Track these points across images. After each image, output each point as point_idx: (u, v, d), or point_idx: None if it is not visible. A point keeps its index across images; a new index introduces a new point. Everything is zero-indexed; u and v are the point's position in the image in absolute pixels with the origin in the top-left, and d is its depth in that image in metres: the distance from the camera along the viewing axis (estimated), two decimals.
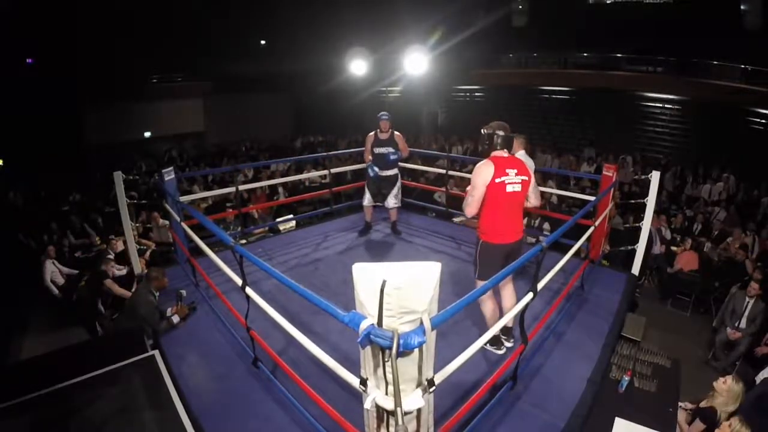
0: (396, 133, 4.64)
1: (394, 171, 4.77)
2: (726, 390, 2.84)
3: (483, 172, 2.63)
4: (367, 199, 4.89)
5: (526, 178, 2.68)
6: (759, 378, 3.67)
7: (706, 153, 10.48)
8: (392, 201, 4.83)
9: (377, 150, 4.60)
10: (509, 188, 2.61)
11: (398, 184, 4.83)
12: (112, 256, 5.14)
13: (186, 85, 15.64)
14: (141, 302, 3.28)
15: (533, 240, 5.84)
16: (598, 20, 13.13)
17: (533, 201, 2.84)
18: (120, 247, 5.25)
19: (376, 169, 4.61)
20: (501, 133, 2.70)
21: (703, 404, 2.89)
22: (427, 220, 5.87)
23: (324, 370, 2.55)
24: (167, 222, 5.45)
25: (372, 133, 4.66)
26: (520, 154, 3.93)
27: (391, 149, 4.57)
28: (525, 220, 6.20)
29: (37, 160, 11.43)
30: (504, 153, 2.71)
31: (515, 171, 2.63)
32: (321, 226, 5.57)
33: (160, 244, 5.97)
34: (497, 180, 2.59)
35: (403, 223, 5.55)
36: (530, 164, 3.87)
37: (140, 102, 14.43)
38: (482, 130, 2.78)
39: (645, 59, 12.21)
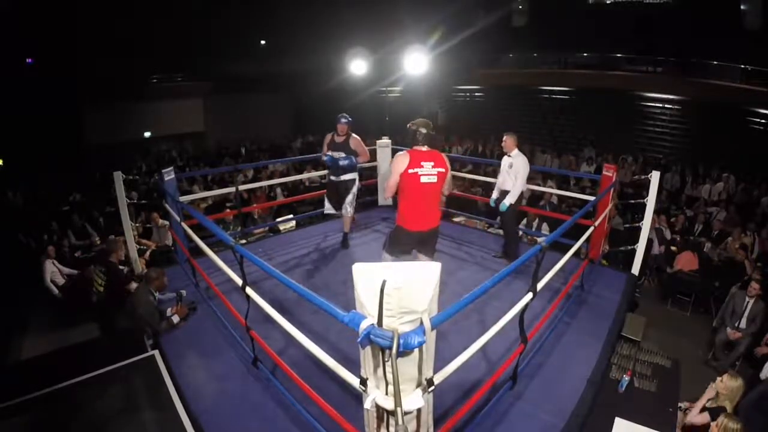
0: (354, 136, 4.39)
1: (351, 176, 4.48)
2: (724, 388, 2.84)
3: (398, 162, 2.88)
4: (327, 207, 4.64)
5: (443, 170, 2.89)
6: (763, 375, 3.67)
7: (706, 153, 10.47)
8: (349, 208, 4.52)
9: (331, 153, 4.37)
10: (423, 179, 2.84)
11: (354, 190, 4.52)
12: (118, 246, 4.96)
13: (186, 85, 15.62)
14: (141, 302, 3.28)
15: (533, 240, 5.84)
16: (598, 20, 13.13)
17: (445, 191, 3.07)
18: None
19: (331, 158, 4.32)
20: (423, 130, 2.90)
21: (709, 404, 2.88)
22: None
23: (324, 370, 2.55)
24: (167, 222, 5.45)
25: (330, 135, 4.43)
26: (514, 153, 4.16)
27: (342, 154, 4.33)
28: (525, 220, 6.24)
29: (37, 160, 11.43)
30: (423, 147, 2.91)
31: (432, 164, 2.85)
32: (321, 226, 5.56)
33: (159, 246, 5.97)
34: (410, 171, 2.82)
35: None
36: (523, 163, 4.10)
37: (140, 102, 14.42)
38: (408, 126, 2.98)
39: (645, 59, 12.21)
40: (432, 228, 3.03)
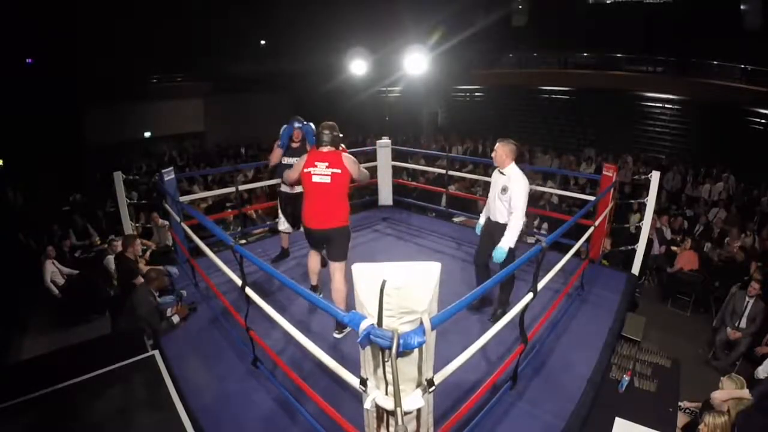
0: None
1: None
2: (727, 386, 2.84)
3: (299, 161, 3.12)
4: (286, 226, 4.12)
5: (339, 171, 2.93)
6: (758, 374, 3.67)
7: (706, 153, 10.48)
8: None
9: (286, 160, 3.90)
10: (315, 179, 2.94)
11: None
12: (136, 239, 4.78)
13: (186, 85, 15.62)
14: (141, 302, 3.28)
15: (533, 240, 5.84)
16: (598, 20, 13.13)
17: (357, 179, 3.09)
18: (120, 247, 5.25)
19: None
20: (326, 131, 3.01)
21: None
22: (427, 220, 5.87)
23: (324, 370, 2.56)
24: (167, 222, 5.45)
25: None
26: (509, 169, 3.08)
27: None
28: (525, 221, 6.24)
29: (37, 160, 11.44)
30: (324, 148, 3.00)
31: (326, 164, 2.94)
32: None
33: (159, 246, 5.97)
34: (305, 170, 2.97)
35: (404, 223, 5.56)
36: (522, 188, 2.99)
37: (140, 102, 14.41)
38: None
39: (645, 59, 12.20)
40: (326, 228, 3.02)
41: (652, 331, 4.30)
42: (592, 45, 12.87)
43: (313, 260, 3.44)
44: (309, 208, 3.05)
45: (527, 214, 6.30)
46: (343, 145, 3.30)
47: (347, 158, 2.99)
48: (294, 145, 3.94)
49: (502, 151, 3.07)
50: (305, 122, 3.93)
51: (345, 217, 3.07)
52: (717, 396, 2.87)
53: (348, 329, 3.03)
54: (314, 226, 3.05)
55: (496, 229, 3.13)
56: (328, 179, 2.93)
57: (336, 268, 3.12)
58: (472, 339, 1.94)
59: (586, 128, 13.13)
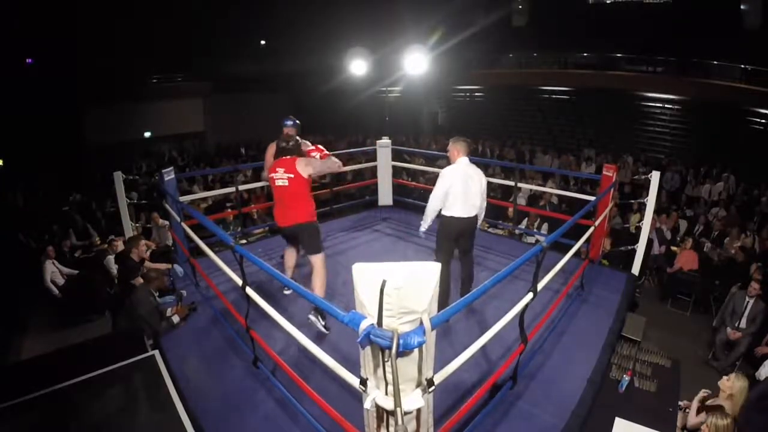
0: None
1: None
2: (729, 387, 2.84)
3: (270, 160, 3.47)
4: None
5: (293, 176, 3.22)
6: (760, 375, 3.67)
7: (706, 153, 10.48)
8: None
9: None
10: (277, 182, 3.27)
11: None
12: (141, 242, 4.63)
13: (186, 85, 15.63)
14: (141, 302, 3.28)
15: (533, 240, 5.84)
16: (598, 20, 13.15)
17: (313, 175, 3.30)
18: (120, 247, 5.25)
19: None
20: (284, 142, 3.29)
21: (710, 402, 2.87)
22: None
23: (324, 370, 2.56)
24: (167, 222, 5.45)
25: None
26: (462, 161, 3.30)
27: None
28: (526, 221, 6.24)
29: (37, 160, 11.44)
30: (287, 156, 3.27)
31: (283, 170, 3.24)
32: (320, 225, 5.55)
33: (159, 246, 5.97)
34: (270, 174, 3.31)
35: (403, 223, 5.55)
36: (440, 175, 3.30)
37: (140, 102, 14.42)
38: None
39: (645, 59, 12.22)
40: (292, 225, 3.32)
41: (652, 331, 4.29)
42: (592, 45, 12.89)
43: (289, 256, 3.71)
44: (276, 209, 3.37)
45: (527, 214, 6.35)
46: (320, 146, 3.65)
47: (300, 162, 3.24)
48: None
49: (452, 147, 3.42)
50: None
51: (309, 214, 3.34)
52: (727, 385, 2.84)
53: (323, 323, 3.15)
54: (282, 223, 3.35)
55: None
56: (285, 182, 3.23)
57: (313, 261, 3.37)
58: (472, 339, 1.94)
59: (586, 128, 13.13)
